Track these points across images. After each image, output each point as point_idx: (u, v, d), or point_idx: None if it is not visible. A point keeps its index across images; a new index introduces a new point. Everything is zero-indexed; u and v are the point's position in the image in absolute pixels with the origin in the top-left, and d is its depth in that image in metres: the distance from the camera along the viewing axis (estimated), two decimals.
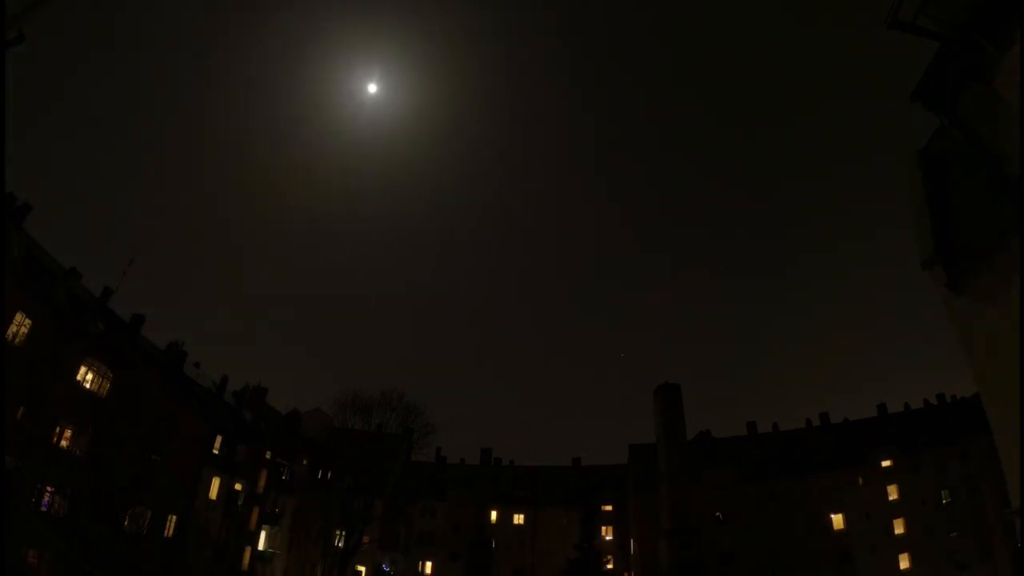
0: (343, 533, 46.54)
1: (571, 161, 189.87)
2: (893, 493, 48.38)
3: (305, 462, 54.65)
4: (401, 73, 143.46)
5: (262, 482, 47.17)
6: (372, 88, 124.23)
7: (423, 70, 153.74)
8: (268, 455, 48.65)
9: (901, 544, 46.51)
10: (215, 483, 41.44)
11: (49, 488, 27.80)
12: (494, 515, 63.68)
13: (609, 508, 62.46)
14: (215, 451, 41.64)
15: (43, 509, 27.38)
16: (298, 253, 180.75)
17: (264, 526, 47.47)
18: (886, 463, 49.63)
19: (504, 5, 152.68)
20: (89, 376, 30.83)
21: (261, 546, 47.28)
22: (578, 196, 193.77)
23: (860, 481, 50.55)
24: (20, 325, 26.08)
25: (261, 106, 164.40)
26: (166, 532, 36.08)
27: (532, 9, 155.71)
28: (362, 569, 54.83)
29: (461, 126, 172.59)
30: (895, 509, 47.81)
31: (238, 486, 43.83)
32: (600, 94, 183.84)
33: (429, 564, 60.90)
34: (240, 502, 43.95)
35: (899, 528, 47.20)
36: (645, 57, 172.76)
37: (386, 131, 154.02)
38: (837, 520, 50.87)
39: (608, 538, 61.42)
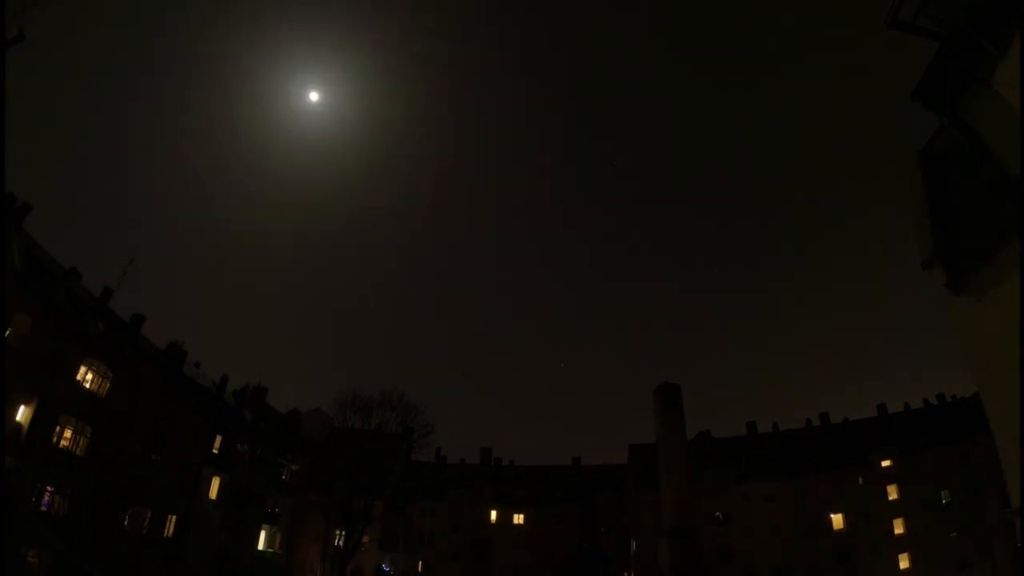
0: (343, 533, 46.55)
1: (573, 158, 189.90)
2: (893, 493, 48.38)
3: (305, 462, 54.67)
4: (344, 79, 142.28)
5: (262, 482, 47.18)
6: (314, 96, 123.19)
7: (366, 75, 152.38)
8: (268, 455, 48.68)
9: (901, 544, 46.52)
10: (215, 483, 41.44)
11: (49, 488, 27.80)
12: (494, 515, 63.68)
13: (609, 508, 62.48)
14: (215, 451, 41.65)
15: (43, 509, 27.38)
16: (298, 253, 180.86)
17: (264, 526, 47.47)
18: (886, 463, 49.63)
19: (447, 7, 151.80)
20: (89, 376, 30.83)
21: (261, 546, 47.27)
22: (578, 195, 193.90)
23: (860, 481, 50.55)
24: (20, 325, 26.09)
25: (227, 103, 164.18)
26: (166, 532, 36.08)
27: (480, 10, 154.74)
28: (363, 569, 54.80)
29: (416, 129, 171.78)
30: (895, 509, 47.82)
31: (238, 486, 43.84)
32: (573, 97, 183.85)
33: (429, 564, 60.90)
34: (240, 502, 43.95)
35: (899, 528, 47.22)
36: (638, 55, 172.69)
37: (334, 138, 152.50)
38: (837, 520, 50.88)
39: (608, 538, 61.44)
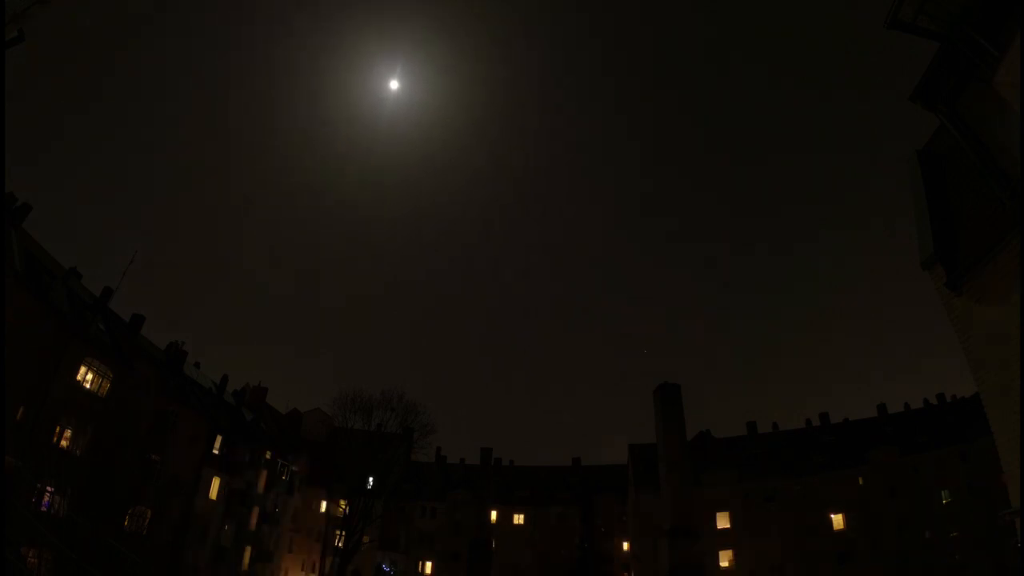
0: (343, 533, 46.57)
1: (580, 162, 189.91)
2: (893, 493, 48.35)
3: (305, 462, 54.68)
4: (423, 70, 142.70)
5: (262, 482, 47.16)
6: (394, 85, 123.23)
7: (445, 67, 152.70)
8: (268, 455, 48.67)
9: (901, 544, 46.48)
10: (215, 483, 41.45)
11: (49, 488, 27.79)
12: (494, 515, 63.65)
13: (609, 508, 62.45)
14: (215, 451, 41.64)
15: (43, 509, 27.37)
16: (299, 252, 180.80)
17: (264, 526, 47.47)
18: (886, 463, 49.60)
19: (526, 2, 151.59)
20: (89, 376, 30.81)
21: (261, 546, 47.28)
22: (582, 198, 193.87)
23: (860, 481, 50.52)
24: (20, 325, 26.05)
25: (278, 102, 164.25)
26: (166, 532, 36.09)
27: (557, 7, 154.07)
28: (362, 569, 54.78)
29: (482, 125, 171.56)
30: (895, 509, 47.79)
31: (238, 486, 43.83)
32: (618, 96, 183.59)
33: (429, 564, 60.91)
34: (240, 502, 43.94)
35: (899, 528, 47.17)
36: (647, 56, 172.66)
37: (407, 128, 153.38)
38: (837, 520, 50.84)
39: (608, 538, 61.42)
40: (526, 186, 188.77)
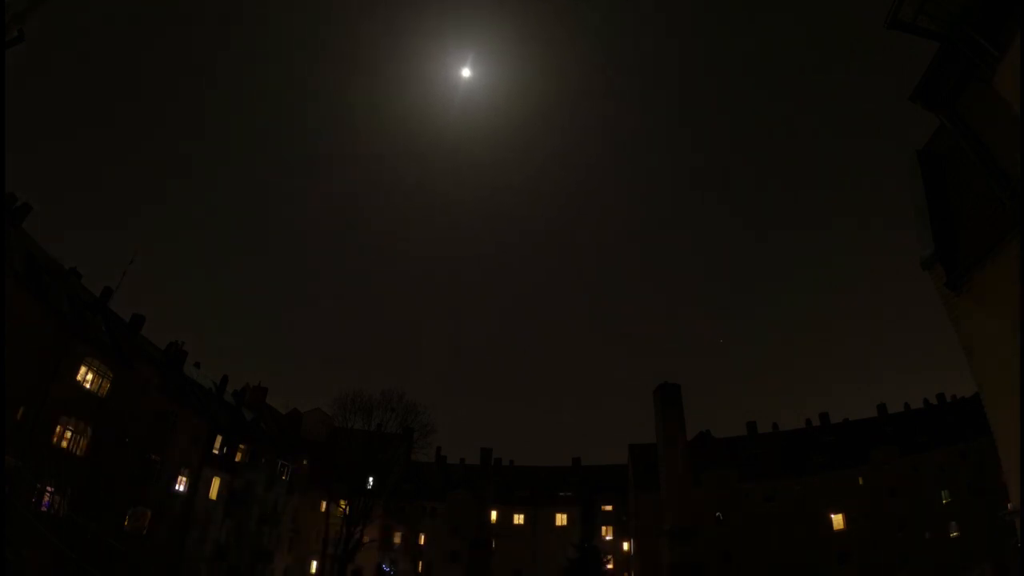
0: (343, 533, 46.59)
1: (611, 164, 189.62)
2: (893, 493, 48.40)
3: (305, 462, 54.67)
4: (494, 58, 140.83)
5: (262, 482, 47.20)
6: (466, 73, 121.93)
7: (517, 56, 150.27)
8: (268, 455, 48.69)
9: (901, 544, 46.52)
10: (215, 483, 41.47)
11: (49, 488, 27.80)
12: (494, 515, 63.66)
13: (609, 508, 62.44)
14: (215, 451, 41.67)
15: (43, 509, 27.39)
16: (302, 251, 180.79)
17: (264, 526, 47.48)
18: (886, 463, 49.65)
19: None
20: (89, 376, 30.83)
21: (261, 546, 47.27)
22: (582, 197, 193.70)
23: (860, 481, 50.57)
24: (20, 325, 26.07)
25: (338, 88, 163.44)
26: (166, 532, 36.11)
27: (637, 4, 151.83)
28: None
29: (550, 119, 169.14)
30: (895, 509, 47.84)
31: (238, 486, 43.86)
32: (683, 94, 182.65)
33: (429, 564, 60.89)
34: (240, 502, 43.97)
35: (899, 528, 47.22)
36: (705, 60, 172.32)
37: (475, 119, 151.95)
38: (837, 520, 50.89)
39: (608, 538, 61.40)
40: (544, 186, 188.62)
